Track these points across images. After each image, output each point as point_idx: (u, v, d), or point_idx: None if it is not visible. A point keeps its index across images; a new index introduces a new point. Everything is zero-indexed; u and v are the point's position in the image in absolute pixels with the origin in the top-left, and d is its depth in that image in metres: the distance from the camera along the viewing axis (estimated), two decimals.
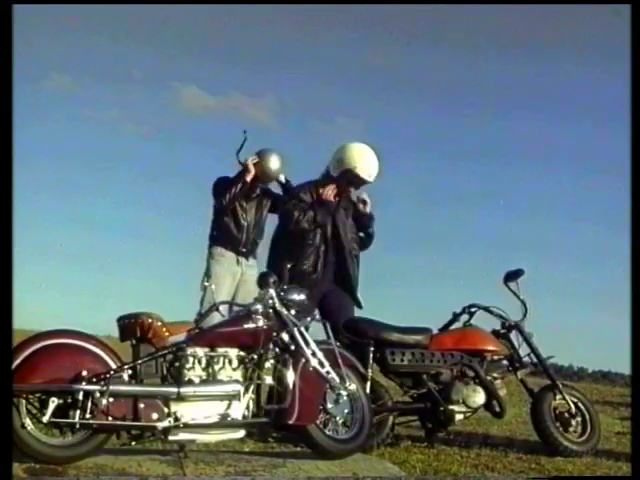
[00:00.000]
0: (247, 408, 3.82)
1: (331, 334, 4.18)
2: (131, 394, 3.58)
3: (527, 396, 5.23)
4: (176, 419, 3.62)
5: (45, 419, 3.37)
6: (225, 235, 5.64)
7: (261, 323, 3.91)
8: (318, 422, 4.02)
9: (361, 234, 5.43)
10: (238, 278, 5.62)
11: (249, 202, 5.69)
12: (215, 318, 4.19)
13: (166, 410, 3.62)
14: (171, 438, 3.65)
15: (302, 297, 4.12)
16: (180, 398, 3.65)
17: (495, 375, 4.98)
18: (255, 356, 3.87)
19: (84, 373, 3.45)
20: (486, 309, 5.18)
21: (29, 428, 3.37)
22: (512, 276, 5.13)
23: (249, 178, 5.50)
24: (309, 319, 4.14)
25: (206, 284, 3.99)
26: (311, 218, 5.16)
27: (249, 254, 5.68)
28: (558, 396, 4.93)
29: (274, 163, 5.56)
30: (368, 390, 4.43)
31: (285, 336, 4.01)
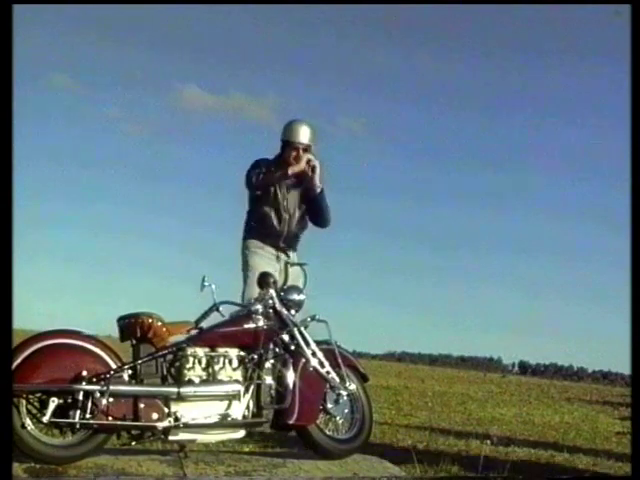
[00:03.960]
0: (247, 408, 3.82)
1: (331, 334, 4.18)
2: (131, 394, 3.57)
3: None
4: (176, 419, 3.62)
5: (45, 419, 3.36)
6: (264, 227, 5.20)
7: (261, 323, 3.92)
8: (318, 422, 4.02)
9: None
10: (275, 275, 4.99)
11: (291, 192, 5.25)
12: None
13: (166, 410, 3.62)
14: (171, 438, 3.65)
15: (302, 297, 4.13)
16: (180, 398, 3.65)
17: None
18: (255, 356, 3.87)
19: (84, 373, 3.45)
20: None
21: (29, 428, 3.36)
22: None
23: (292, 172, 5.14)
24: (309, 319, 4.14)
25: (206, 284, 3.97)
26: None
27: (289, 249, 5.28)
28: None
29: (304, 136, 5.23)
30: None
31: (285, 336, 4.01)
